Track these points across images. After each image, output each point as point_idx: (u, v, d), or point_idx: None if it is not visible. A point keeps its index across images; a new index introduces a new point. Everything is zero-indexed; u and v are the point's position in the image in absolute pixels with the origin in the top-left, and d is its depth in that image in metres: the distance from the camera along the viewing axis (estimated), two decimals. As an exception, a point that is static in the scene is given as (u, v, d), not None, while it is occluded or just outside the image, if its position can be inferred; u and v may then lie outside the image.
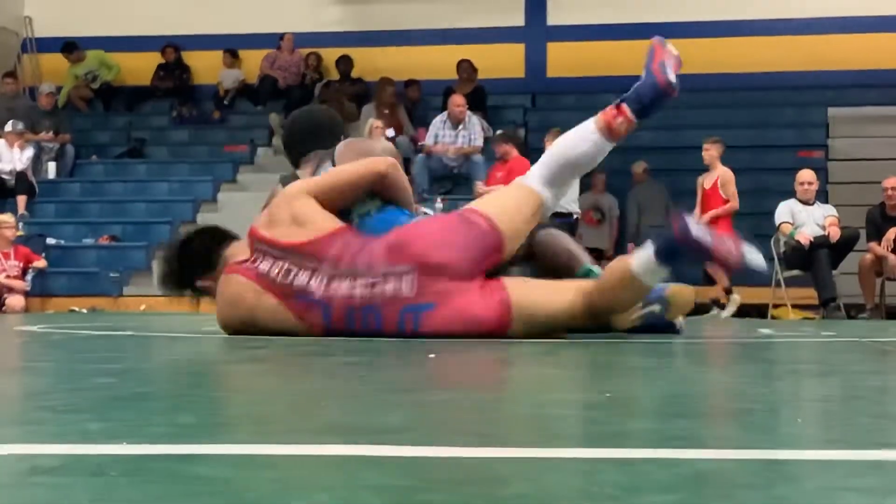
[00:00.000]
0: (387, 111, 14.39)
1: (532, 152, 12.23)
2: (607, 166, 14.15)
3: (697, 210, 11.90)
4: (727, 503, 0.98)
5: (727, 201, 11.89)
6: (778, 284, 11.64)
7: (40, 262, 12.70)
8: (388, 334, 4.02)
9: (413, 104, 15.36)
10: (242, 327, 4.23)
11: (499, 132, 12.68)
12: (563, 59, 17.00)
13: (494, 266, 4.36)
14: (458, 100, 13.57)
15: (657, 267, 4.09)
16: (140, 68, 17.70)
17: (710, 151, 12.02)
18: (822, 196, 12.65)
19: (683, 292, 4.59)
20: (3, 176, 14.64)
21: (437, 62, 16.03)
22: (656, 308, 4.51)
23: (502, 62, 16.68)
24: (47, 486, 1.05)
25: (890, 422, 1.73)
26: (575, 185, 11.84)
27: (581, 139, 4.59)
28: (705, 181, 12.09)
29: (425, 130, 13.78)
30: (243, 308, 4.24)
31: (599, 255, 12.11)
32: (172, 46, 17.55)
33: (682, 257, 4.11)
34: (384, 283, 4.20)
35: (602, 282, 4.26)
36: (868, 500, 1.00)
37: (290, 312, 4.24)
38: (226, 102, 17.15)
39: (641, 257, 4.11)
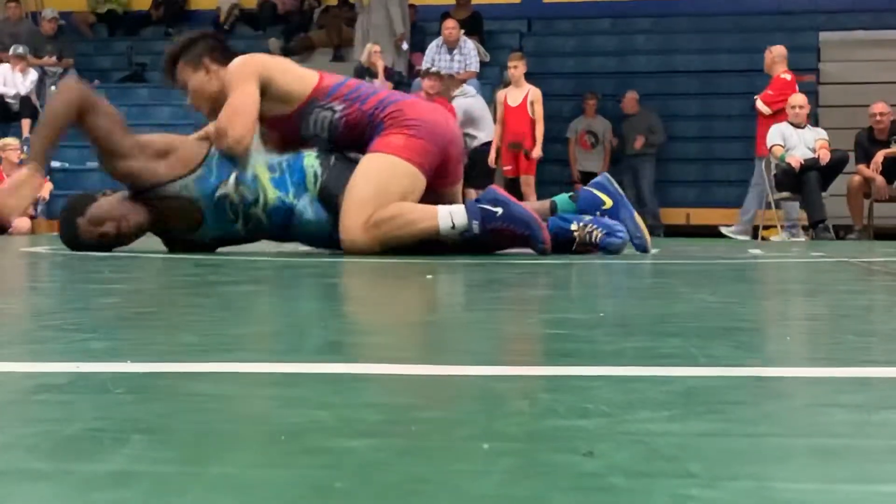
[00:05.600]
0: None
1: (528, 77, 12.19)
2: (600, 90, 14.12)
3: (498, 128, 11.86)
4: (717, 419, 1.00)
5: (532, 120, 11.77)
6: (769, 206, 11.68)
7: (47, 186, 12.70)
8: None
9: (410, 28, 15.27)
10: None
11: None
12: (559, -15, 16.89)
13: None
14: (449, 23, 13.45)
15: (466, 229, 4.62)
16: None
17: (519, 69, 11.81)
18: (814, 119, 12.64)
19: None
20: (8, 100, 14.61)
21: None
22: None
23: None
24: (53, 403, 1.06)
25: (876, 339, 1.75)
26: (488, 119, 11.84)
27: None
28: (508, 97, 11.92)
29: (421, 55, 13.68)
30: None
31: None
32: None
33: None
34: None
35: (407, 220, 4.64)
36: (854, 415, 1.02)
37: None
38: (226, 27, 17.12)
39: (451, 217, 4.60)
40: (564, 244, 4.83)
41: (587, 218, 4.86)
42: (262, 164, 4.78)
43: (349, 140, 4.85)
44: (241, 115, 4.71)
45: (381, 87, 5.18)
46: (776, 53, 11.57)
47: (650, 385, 1.18)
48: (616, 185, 5.10)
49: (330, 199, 4.73)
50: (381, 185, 4.66)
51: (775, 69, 11.53)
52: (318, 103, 4.81)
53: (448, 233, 4.62)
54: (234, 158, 4.76)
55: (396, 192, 4.67)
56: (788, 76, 11.47)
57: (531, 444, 0.89)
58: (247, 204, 4.79)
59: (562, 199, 5.03)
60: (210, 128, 4.88)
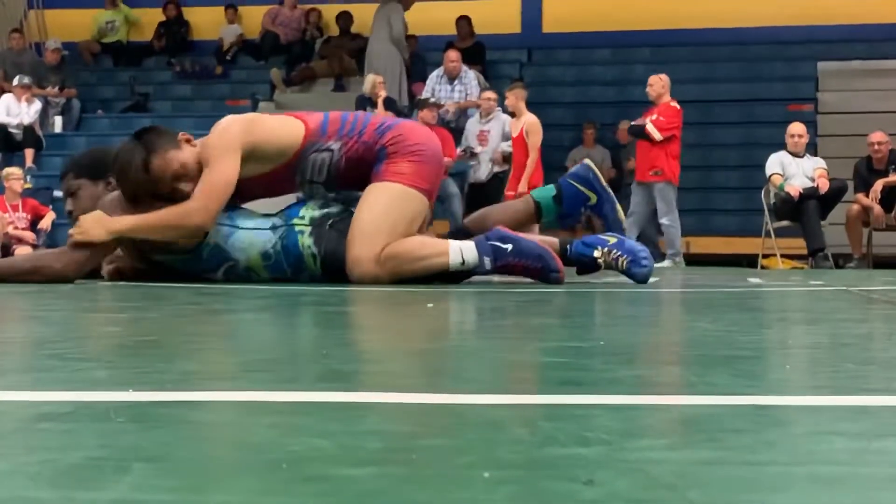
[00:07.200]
0: None
1: (528, 107, 12.23)
2: (600, 119, 14.16)
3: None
4: (717, 447, 1.00)
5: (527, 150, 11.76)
6: (768, 235, 11.72)
7: (49, 216, 12.74)
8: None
9: (410, 58, 15.33)
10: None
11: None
12: (559, 15, 16.99)
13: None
14: (451, 55, 13.51)
15: (474, 262, 4.55)
16: (146, 24, 17.82)
17: (510, 99, 11.83)
18: (812, 148, 12.69)
19: None
20: (11, 129, 14.68)
21: (436, 18, 16.00)
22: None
23: (499, 18, 16.65)
24: (56, 432, 1.07)
25: (875, 368, 1.75)
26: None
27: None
28: (512, 127, 11.99)
29: (423, 85, 13.73)
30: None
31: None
32: (174, 2, 17.66)
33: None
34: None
35: (416, 251, 4.58)
36: (854, 443, 1.02)
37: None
38: (228, 58, 17.26)
39: (461, 253, 4.53)
40: (588, 269, 4.78)
41: (611, 241, 4.76)
42: (258, 255, 4.70)
43: (352, 176, 4.75)
44: (217, 199, 4.58)
45: (367, 113, 5.13)
46: (666, 82, 11.62)
47: (650, 413, 1.19)
48: (598, 173, 5.03)
49: (341, 265, 4.68)
50: (392, 215, 4.61)
51: (665, 97, 11.56)
52: (315, 146, 4.72)
53: (458, 269, 4.60)
54: (227, 252, 4.71)
55: (406, 220, 4.63)
56: (676, 105, 11.52)
57: (531, 472, 0.89)
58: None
59: (545, 198, 4.98)
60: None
